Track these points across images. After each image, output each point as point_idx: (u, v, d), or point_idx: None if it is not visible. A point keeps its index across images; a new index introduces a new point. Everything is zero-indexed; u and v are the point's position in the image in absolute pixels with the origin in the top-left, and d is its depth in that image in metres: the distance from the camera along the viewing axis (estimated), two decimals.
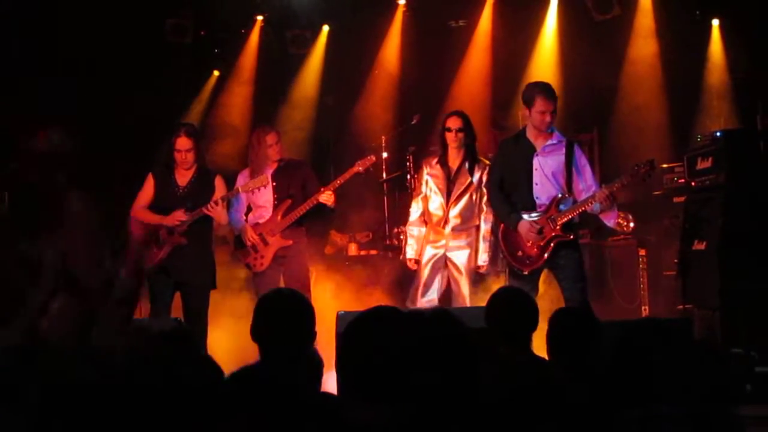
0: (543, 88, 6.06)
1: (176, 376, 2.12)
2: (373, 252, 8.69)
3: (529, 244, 6.01)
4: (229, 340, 6.70)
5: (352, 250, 8.75)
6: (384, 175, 8.68)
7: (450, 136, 6.56)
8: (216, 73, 10.20)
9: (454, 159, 6.63)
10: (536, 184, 6.05)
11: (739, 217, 6.78)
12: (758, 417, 4.80)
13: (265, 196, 6.76)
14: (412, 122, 8.40)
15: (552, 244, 5.95)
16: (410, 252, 6.73)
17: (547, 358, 3.72)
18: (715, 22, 9.12)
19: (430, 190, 6.68)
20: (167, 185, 6.53)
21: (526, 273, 6.02)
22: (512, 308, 3.90)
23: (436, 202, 6.65)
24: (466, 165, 6.59)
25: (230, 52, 10.03)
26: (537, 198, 6.04)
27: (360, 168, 6.74)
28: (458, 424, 2.33)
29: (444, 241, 6.59)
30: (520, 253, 6.06)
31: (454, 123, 6.57)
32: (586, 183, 6.06)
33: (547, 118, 5.99)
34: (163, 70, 9.29)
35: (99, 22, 8.57)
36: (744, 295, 6.54)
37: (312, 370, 3.42)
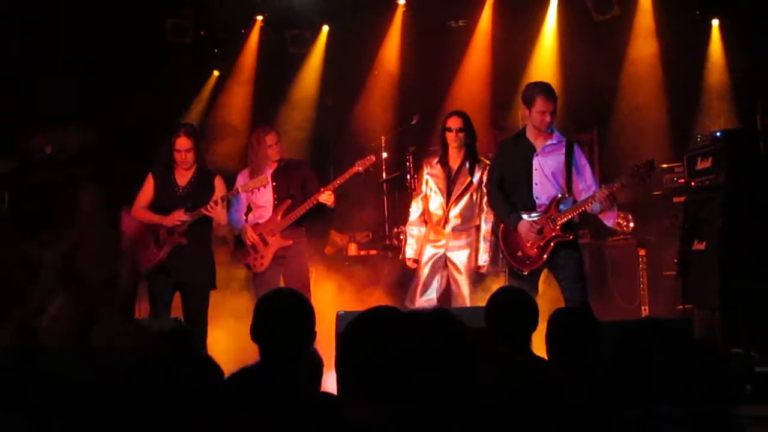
0: (543, 88, 6.06)
1: (176, 376, 2.12)
2: (372, 252, 8.70)
3: (528, 245, 6.01)
4: (229, 340, 6.71)
5: (352, 250, 8.75)
6: (384, 175, 8.68)
7: (450, 136, 6.56)
8: (216, 73, 10.20)
9: (455, 159, 6.63)
10: (536, 184, 6.05)
11: (739, 217, 6.78)
12: (758, 417, 4.80)
13: (265, 196, 6.76)
14: (412, 122, 8.40)
15: (552, 244, 5.95)
16: (409, 252, 6.73)
17: (546, 358, 3.72)
18: (715, 22, 9.12)
19: (431, 189, 6.68)
20: (167, 185, 6.52)
21: (525, 273, 6.02)
22: (512, 308, 3.90)
23: (436, 202, 6.65)
24: (467, 165, 6.59)
25: (230, 52, 10.03)
26: (537, 198, 6.04)
27: (360, 168, 6.74)
28: (458, 424, 2.33)
29: (444, 241, 6.59)
30: (519, 253, 6.06)
31: (454, 123, 6.57)
32: (585, 183, 6.06)
33: (547, 118, 5.99)
34: (163, 70, 9.29)
35: (99, 22, 8.57)
36: (744, 295, 6.55)
37: (312, 370, 3.42)
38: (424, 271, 6.61)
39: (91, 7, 8.45)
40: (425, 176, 6.73)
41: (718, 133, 7.24)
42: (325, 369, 3.58)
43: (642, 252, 8.11)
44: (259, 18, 9.94)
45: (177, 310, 6.51)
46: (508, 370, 2.87)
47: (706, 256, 6.89)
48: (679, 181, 7.80)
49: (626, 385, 2.68)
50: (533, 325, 3.89)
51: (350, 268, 8.27)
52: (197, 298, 6.43)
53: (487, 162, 6.58)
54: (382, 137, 8.79)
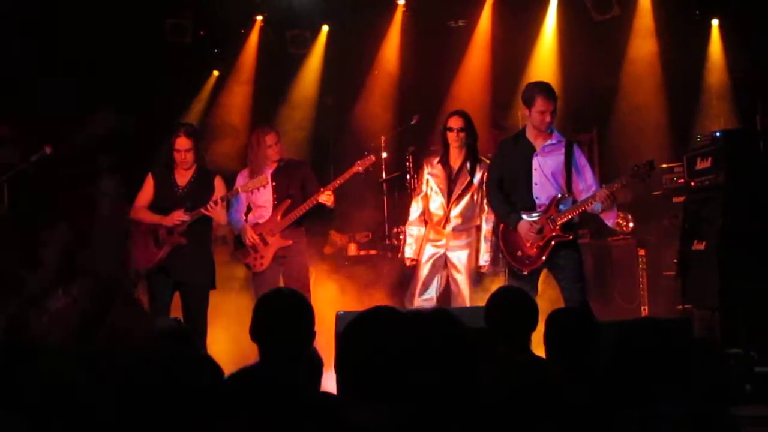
0: (543, 88, 6.06)
1: (176, 376, 2.12)
2: (372, 252, 8.70)
3: (528, 244, 6.01)
4: (228, 340, 6.71)
5: (352, 249, 8.75)
6: (384, 175, 8.68)
7: (451, 136, 6.56)
8: (216, 73, 10.19)
9: (456, 159, 6.63)
10: (536, 184, 6.05)
11: (739, 217, 6.78)
12: (758, 417, 4.80)
13: (265, 196, 6.76)
14: (412, 122, 8.41)
15: (551, 244, 5.95)
16: (409, 251, 6.72)
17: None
18: (715, 22, 9.11)
19: (431, 189, 6.68)
20: (167, 185, 6.53)
21: (525, 273, 6.02)
22: (512, 308, 3.90)
23: (437, 202, 6.65)
24: (468, 165, 6.59)
25: (230, 52, 10.03)
26: (536, 198, 6.04)
27: (360, 168, 6.74)
28: (458, 424, 2.34)
29: (444, 241, 6.59)
30: (519, 253, 6.06)
31: (455, 122, 6.57)
32: (585, 183, 6.06)
33: (547, 118, 5.99)
34: (163, 70, 9.29)
35: (99, 22, 8.57)
36: (743, 295, 6.55)
37: (312, 370, 3.42)
38: (424, 271, 6.62)
39: (91, 7, 8.45)
40: (426, 176, 6.72)
41: (717, 133, 7.25)
42: (324, 369, 3.59)
43: (642, 252, 8.11)
44: (259, 18, 9.94)
45: (177, 310, 6.51)
46: (508, 370, 2.87)
47: (705, 256, 6.89)
48: (679, 181, 7.80)
49: (626, 385, 2.68)
50: (533, 325, 3.89)
51: (350, 268, 8.27)
52: (197, 297, 6.43)
53: (488, 162, 6.58)
54: (382, 137, 8.79)
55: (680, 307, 7.18)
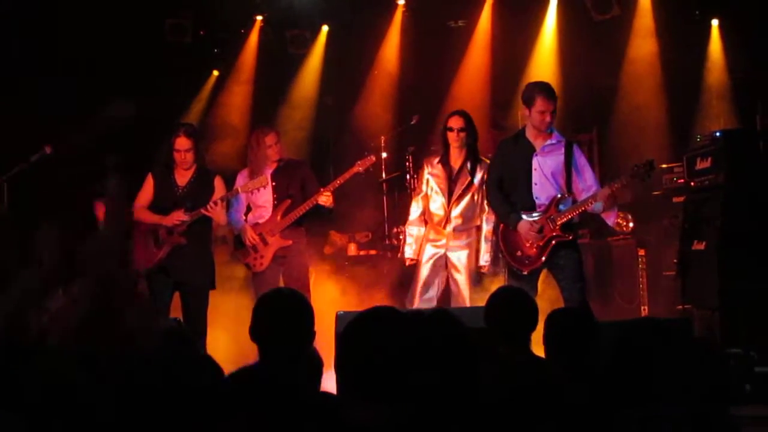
0: (543, 87, 6.06)
1: (176, 376, 2.12)
2: (372, 252, 8.70)
3: (528, 244, 6.01)
4: (228, 340, 6.71)
5: (352, 250, 8.75)
6: (383, 175, 8.69)
7: (452, 136, 6.56)
8: (215, 72, 10.20)
9: (456, 159, 6.62)
10: (535, 184, 6.05)
11: (739, 217, 6.78)
12: (758, 417, 4.81)
13: (265, 196, 6.76)
14: (412, 122, 8.41)
15: (551, 244, 5.95)
16: (408, 251, 6.72)
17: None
18: (715, 22, 9.12)
19: (431, 189, 6.68)
20: (167, 185, 6.53)
21: (525, 273, 6.02)
22: (512, 308, 3.90)
23: (437, 202, 6.64)
24: (468, 165, 6.59)
25: (230, 52, 10.03)
26: (536, 198, 6.04)
27: (360, 168, 6.74)
28: (458, 424, 2.34)
29: (444, 241, 6.59)
30: (519, 253, 6.06)
31: (456, 122, 6.57)
32: (585, 183, 6.06)
33: (547, 118, 5.99)
34: (163, 70, 9.29)
35: (99, 22, 8.57)
36: (743, 295, 6.55)
37: (312, 370, 3.42)
38: (425, 271, 6.61)
39: (91, 7, 8.46)
40: (426, 176, 6.72)
41: (717, 133, 7.25)
42: (324, 369, 3.58)
43: (642, 252, 8.11)
44: (259, 18, 9.94)
45: (176, 310, 6.51)
46: (507, 370, 2.87)
47: (705, 256, 6.89)
48: (679, 181, 7.80)
49: (626, 385, 2.68)
50: (533, 325, 3.89)
51: (350, 268, 8.28)
52: (197, 298, 6.43)
53: (488, 162, 6.58)
54: (382, 137, 8.79)
55: (680, 307, 7.19)
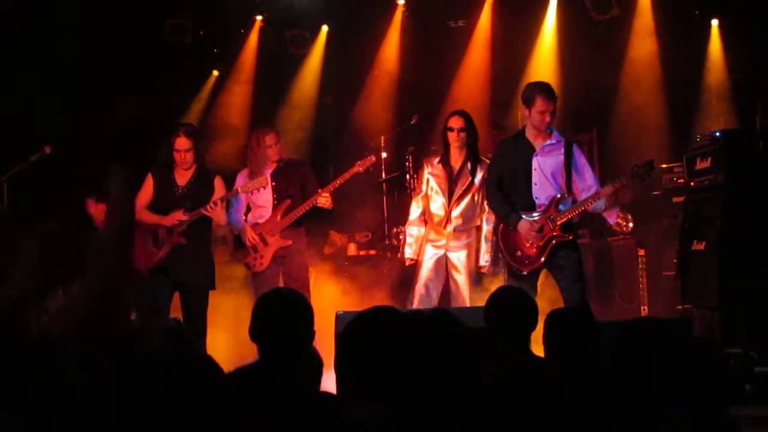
0: (543, 88, 6.06)
1: (176, 376, 2.12)
2: (372, 252, 8.70)
3: (528, 244, 6.01)
4: (228, 340, 6.71)
5: (352, 250, 8.75)
6: (383, 175, 8.69)
7: (452, 136, 6.56)
8: (215, 72, 10.20)
9: (456, 159, 6.62)
10: (535, 184, 6.05)
11: (738, 217, 6.78)
12: (758, 417, 4.81)
13: (265, 196, 6.76)
14: (411, 122, 8.41)
15: (551, 244, 5.95)
16: (408, 252, 6.72)
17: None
18: (715, 22, 9.12)
19: (432, 189, 6.68)
20: (167, 185, 6.53)
21: (525, 273, 6.02)
22: (512, 308, 3.90)
23: (437, 202, 6.64)
24: (469, 165, 6.59)
25: (230, 52, 10.03)
26: (536, 198, 6.04)
27: (360, 168, 6.74)
28: (458, 424, 2.34)
29: (444, 241, 6.59)
30: (519, 253, 6.06)
31: (456, 122, 6.57)
32: (585, 183, 6.06)
33: (547, 118, 5.99)
34: (163, 70, 9.29)
35: (99, 22, 8.57)
36: (743, 295, 6.55)
37: (312, 370, 3.42)
38: (424, 272, 6.61)
39: (91, 7, 8.46)
40: (426, 175, 6.72)
41: (717, 133, 7.24)
42: (324, 369, 3.58)
43: (641, 252, 8.11)
44: (259, 18, 9.94)
45: (176, 310, 6.51)
46: (507, 370, 2.87)
47: (705, 256, 6.89)
48: (679, 181, 7.80)
49: (626, 385, 2.68)
50: (533, 325, 3.89)
51: (350, 268, 8.28)
52: (196, 298, 6.43)
53: (489, 162, 6.58)
54: (382, 137, 8.80)
55: (680, 307, 7.18)
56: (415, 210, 6.78)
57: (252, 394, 2.43)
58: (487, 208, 6.50)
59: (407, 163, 8.28)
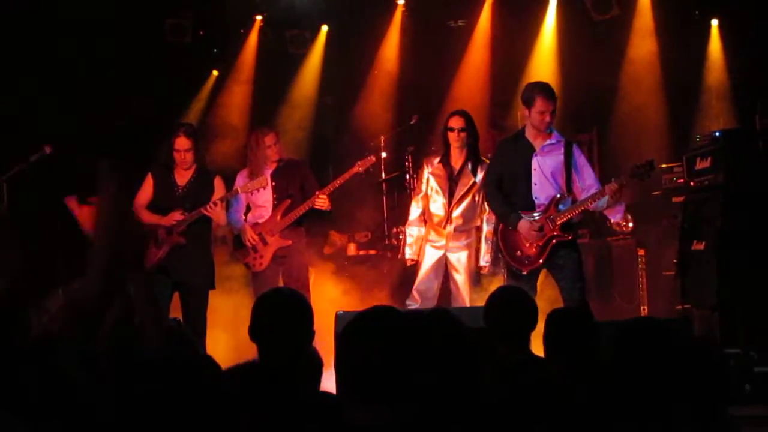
0: (543, 88, 6.06)
1: (176, 376, 2.12)
2: (372, 252, 8.70)
3: (528, 244, 6.01)
4: (228, 340, 6.71)
5: (351, 250, 8.75)
6: (383, 175, 8.69)
7: (452, 136, 6.56)
8: (215, 72, 10.20)
9: (457, 159, 6.62)
10: (535, 184, 6.05)
11: (738, 217, 6.77)
12: (758, 417, 4.81)
13: (265, 196, 6.77)
14: (411, 122, 8.41)
15: (551, 244, 5.95)
16: (409, 252, 6.72)
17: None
18: (714, 22, 9.12)
19: (432, 189, 6.67)
20: (166, 185, 6.53)
21: (524, 273, 6.02)
22: (511, 308, 3.90)
23: (438, 202, 6.64)
24: (469, 165, 6.59)
25: (230, 52, 10.04)
26: (536, 198, 6.04)
27: (360, 168, 6.74)
28: (458, 424, 2.34)
29: (444, 241, 6.59)
30: (518, 253, 6.06)
31: (456, 122, 6.57)
32: (585, 183, 6.06)
33: (547, 118, 5.99)
34: (163, 70, 9.30)
35: (99, 22, 8.57)
36: (743, 295, 6.54)
37: (312, 370, 3.42)
38: (425, 272, 6.62)
39: (91, 7, 8.46)
40: (426, 175, 6.72)
41: (717, 133, 7.24)
42: (324, 369, 3.58)
43: (641, 252, 8.11)
44: (259, 18, 9.95)
45: (176, 310, 6.51)
46: (507, 369, 2.88)
47: (705, 256, 6.89)
48: (679, 181, 7.80)
49: (625, 385, 2.68)
50: (532, 325, 3.89)
51: (350, 268, 8.28)
52: (196, 298, 6.44)
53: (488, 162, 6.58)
54: (382, 137, 8.80)
55: (680, 306, 7.18)
56: (415, 210, 6.78)
57: (252, 394, 2.43)
58: (487, 208, 6.49)
59: (407, 163, 8.28)
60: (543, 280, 6.22)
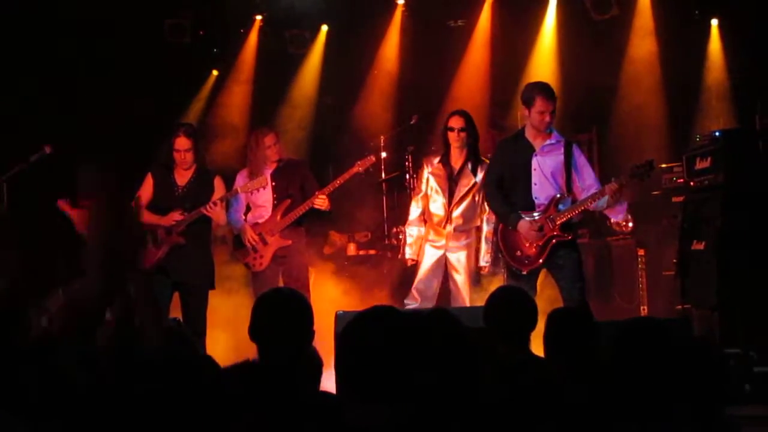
0: (542, 88, 6.06)
1: (176, 376, 2.12)
2: (372, 252, 8.70)
3: (527, 244, 6.01)
4: (228, 340, 6.71)
5: (351, 249, 8.75)
6: (383, 175, 8.69)
7: (452, 136, 6.56)
8: (215, 72, 10.21)
9: (457, 159, 6.62)
10: (535, 184, 6.05)
11: (738, 217, 6.77)
12: (758, 417, 4.81)
13: (265, 196, 6.77)
14: (411, 122, 8.41)
15: (551, 244, 5.95)
16: (409, 252, 6.73)
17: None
18: (714, 22, 9.12)
19: (431, 189, 6.67)
20: (166, 185, 6.53)
21: (524, 273, 6.02)
22: (511, 307, 3.90)
23: (438, 202, 6.64)
24: (469, 165, 6.58)
25: (229, 52, 10.04)
26: (536, 198, 6.04)
27: (360, 168, 6.75)
28: (458, 424, 2.34)
29: (444, 241, 6.59)
30: (518, 253, 6.06)
31: (456, 122, 6.57)
32: (585, 183, 6.06)
33: (547, 118, 5.99)
34: (163, 70, 9.30)
35: (99, 22, 8.57)
36: (742, 295, 6.54)
37: (312, 370, 3.42)
38: (424, 272, 6.62)
39: (91, 7, 8.46)
40: (426, 175, 6.72)
41: (717, 133, 7.24)
42: (324, 369, 3.59)
43: (641, 252, 8.12)
44: (258, 18, 9.95)
45: (176, 310, 6.51)
46: (507, 369, 2.88)
47: (704, 256, 6.89)
48: (678, 180, 7.80)
49: (625, 385, 2.69)
50: (532, 325, 3.89)
51: (350, 268, 8.28)
52: (196, 298, 6.43)
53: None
54: (381, 137, 8.80)
55: (679, 307, 7.18)
56: (414, 210, 6.78)
57: (252, 394, 2.43)
58: (487, 208, 6.49)
59: (407, 163, 8.28)
60: (543, 280, 6.22)
